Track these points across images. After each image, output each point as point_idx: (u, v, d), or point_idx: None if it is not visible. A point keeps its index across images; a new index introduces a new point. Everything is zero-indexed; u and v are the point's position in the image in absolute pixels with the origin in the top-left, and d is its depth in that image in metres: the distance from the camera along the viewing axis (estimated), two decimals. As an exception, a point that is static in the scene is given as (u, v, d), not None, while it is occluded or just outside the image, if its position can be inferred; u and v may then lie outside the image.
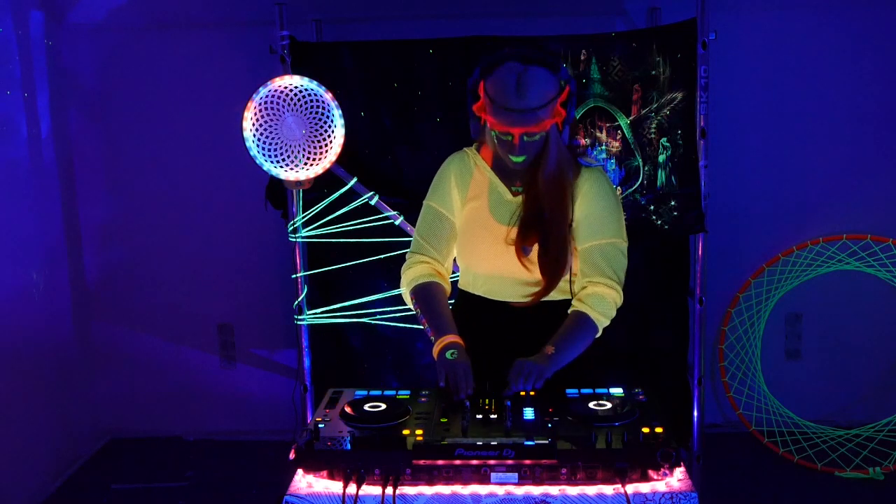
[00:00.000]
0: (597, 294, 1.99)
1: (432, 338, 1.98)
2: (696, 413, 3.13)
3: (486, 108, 1.92)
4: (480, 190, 2.07)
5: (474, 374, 1.88)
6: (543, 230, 1.97)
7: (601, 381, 1.98)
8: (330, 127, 2.82)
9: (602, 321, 2.00)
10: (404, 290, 2.12)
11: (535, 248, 1.99)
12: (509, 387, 1.83)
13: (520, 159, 1.94)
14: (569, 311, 2.02)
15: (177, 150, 3.65)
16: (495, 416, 1.75)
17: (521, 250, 1.99)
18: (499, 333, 2.06)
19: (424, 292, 2.06)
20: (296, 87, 2.80)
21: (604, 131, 3.05)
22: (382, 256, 3.07)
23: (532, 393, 1.84)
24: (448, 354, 1.90)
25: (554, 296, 2.04)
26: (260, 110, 2.78)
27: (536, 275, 2.01)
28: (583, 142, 3.06)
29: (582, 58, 3.01)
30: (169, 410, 3.84)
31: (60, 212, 3.57)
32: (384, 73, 3.06)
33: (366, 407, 1.81)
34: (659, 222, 3.08)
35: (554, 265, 1.98)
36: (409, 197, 3.07)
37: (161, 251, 3.74)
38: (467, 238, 2.08)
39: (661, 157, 3.05)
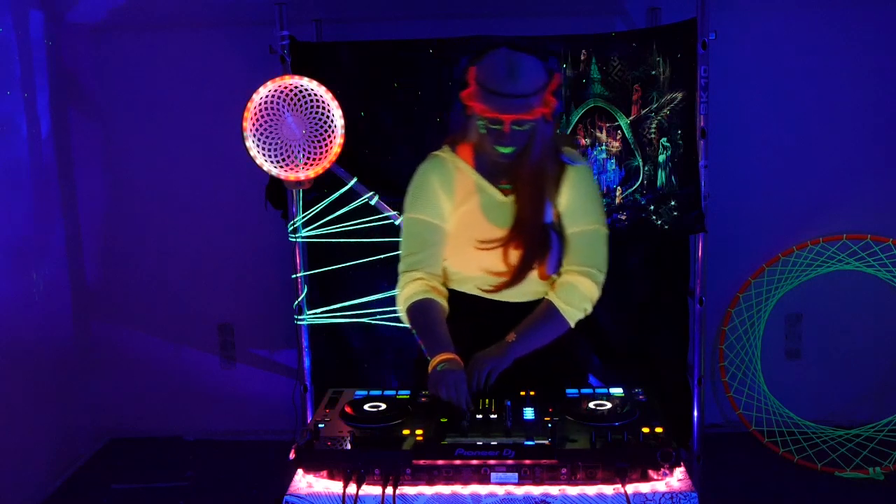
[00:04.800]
0: (569, 284, 1.99)
1: (428, 357, 1.93)
2: (696, 413, 3.12)
3: (475, 94, 1.87)
4: (468, 193, 2.01)
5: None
6: (543, 228, 1.95)
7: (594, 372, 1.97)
8: (330, 127, 2.82)
9: (570, 311, 1.98)
10: (401, 310, 2.05)
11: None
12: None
13: (507, 150, 1.90)
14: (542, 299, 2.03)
15: (177, 150, 3.65)
16: (495, 416, 1.75)
17: (520, 252, 1.96)
18: (491, 330, 2.00)
19: (417, 311, 1.99)
20: (296, 87, 2.80)
21: (604, 131, 3.05)
22: (382, 256, 3.07)
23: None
24: (439, 367, 1.84)
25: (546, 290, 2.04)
26: (260, 110, 2.78)
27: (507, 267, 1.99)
28: (583, 142, 3.06)
29: (582, 58, 3.01)
30: (169, 410, 3.84)
31: (60, 212, 3.57)
32: (384, 73, 3.06)
33: (366, 407, 1.81)
34: (659, 222, 3.08)
35: (526, 259, 1.96)
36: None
37: (161, 251, 3.74)
38: (460, 244, 2.02)
39: (661, 157, 3.05)
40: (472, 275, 2.04)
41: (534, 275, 2.00)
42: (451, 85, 3.04)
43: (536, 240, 1.96)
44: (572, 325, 2.01)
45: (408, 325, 2.03)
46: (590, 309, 2.02)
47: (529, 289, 2.03)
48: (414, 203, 2.04)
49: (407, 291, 2.01)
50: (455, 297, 2.07)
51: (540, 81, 1.85)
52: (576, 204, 2.00)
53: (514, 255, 1.97)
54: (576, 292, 1.98)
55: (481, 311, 2.05)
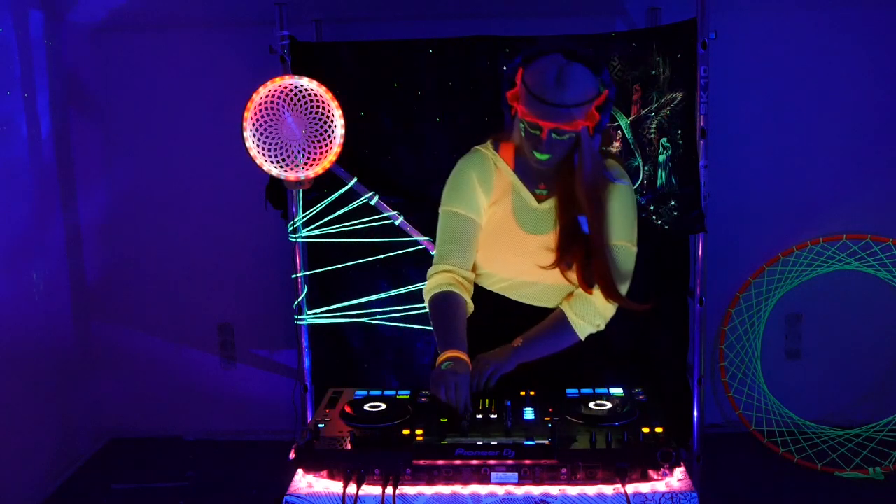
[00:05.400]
0: (586, 297, 1.97)
1: (438, 351, 1.91)
2: (696, 413, 3.12)
3: (520, 96, 1.85)
4: (503, 193, 2.00)
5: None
6: (586, 242, 1.92)
7: (600, 381, 1.97)
8: (330, 127, 2.82)
9: (582, 325, 1.97)
10: (425, 300, 2.03)
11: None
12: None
13: (543, 157, 1.87)
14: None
15: (177, 149, 3.65)
16: (495, 416, 1.75)
17: (565, 264, 1.94)
18: (512, 330, 1.99)
19: (437, 303, 1.97)
20: (296, 87, 2.80)
21: (604, 131, 3.05)
22: (382, 256, 3.08)
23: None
24: (443, 367, 1.82)
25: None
26: (260, 110, 2.78)
27: (568, 281, 1.97)
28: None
29: (582, 58, 3.00)
30: (169, 410, 3.84)
31: (60, 212, 3.57)
32: (384, 73, 3.06)
33: (366, 407, 1.81)
34: (659, 222, 3.08)
35: (602, 275, 1.92)
36: (408, 197, 3.07)
37: (161, 251, 3.74)
38: (488, 243, 2.02)
39: (661, 157, 3.05)
40: (506, 276, 2.02)
41: (560, 278, 1.98)
42: (451, 85, 3.04)
43: (602, 254, 1.92)
44: (582, 338, 2.00)
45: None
46: (602, 325, 2.01)
47: (554, 294, 2.02)
48: (451, 196, 2.02)
49: (432, 282, 2.00)
50: (480, 294, 2.06)
51: (587, 95, 1.81)
52: (611, 220, 1.96)
53: (592, 270, 1.94)
54: (591, 307, 1.97)
55: (505, 311, 2.04)
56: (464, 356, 1.85)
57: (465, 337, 1.90)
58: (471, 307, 2.01)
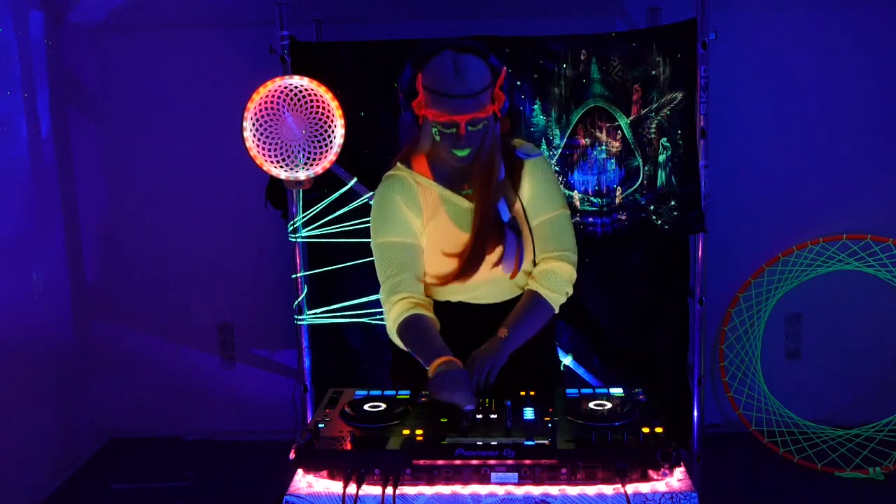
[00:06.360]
0: (549, 270, 2.02)
1: (426, 367, 1.88)
2: (696, 413, 3.13)
3: (426, 101, 1.86)
4: (435, 207, 1.99)
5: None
6: (505, 227, 1.97)
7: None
8: (330, 127, 2.82)
9: (554, 297, 2.01)
10: (392, 333, 2.00)
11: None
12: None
13: (464, 152, 1.89)
14: (524, 291, 2.05)
15: (177, 150, 3.65)
16: (495, 416, 1.75)
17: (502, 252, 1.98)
18: (482, 333, 1.99)
19: (408, 328, 1.94)
20: (296, 87, 2.80)
21: (604, 131, 3.05)
22: (382, 256, 3.07)
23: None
24: (438, 370, 1.81)
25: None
26: (260, 110, 2.78)
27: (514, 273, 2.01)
28: (583, 142, 3.06)
29: (582, 58, 3.01)
30: (169, 410, 3.84)
31: (60, 212, 3.57)
32: (384, 73, 3.06)
33: (366, 407, 1.81)
34: (659, 222, 3.08)
35: (473, 255, 1.96)
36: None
37: (161, 251, 3.74)
38: (441, 257, 2.00)
39: (661, 157, 3.05)
40: (474, 282, 2.02)
41: (501, 272, 1.99)
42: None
43: (492, 235, 1.96)
44: (557, 310, 2.04)
45: (402, 345, 1.98)
46: (571, 291, 2.05)
47: (507, 286, 2.04)
48: (383, 227, 2.00)
49: (394, 313, 1.97)
50: (442, 307, 2.06)
51: (487, 78, 1.86)
52: (539, 195, 2.02)
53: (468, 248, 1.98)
54: (556, 277, 2.02)
55: (470, 317, 2.05)
56: (453, 359, 1.84)
57: (445, 345, 1.89)
58: (436, 321, 1.99)
